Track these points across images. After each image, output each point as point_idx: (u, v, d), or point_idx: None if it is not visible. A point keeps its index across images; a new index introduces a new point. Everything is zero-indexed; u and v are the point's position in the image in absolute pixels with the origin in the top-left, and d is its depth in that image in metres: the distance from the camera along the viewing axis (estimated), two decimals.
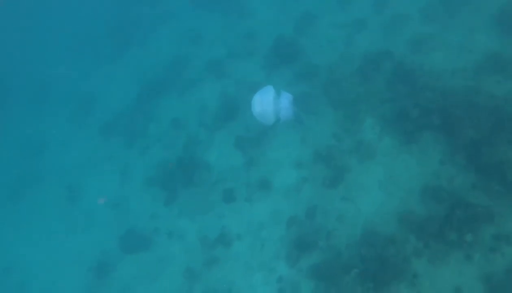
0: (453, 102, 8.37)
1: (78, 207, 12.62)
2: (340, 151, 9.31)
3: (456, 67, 8.97)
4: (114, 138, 13.67)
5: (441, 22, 9.73)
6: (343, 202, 8.71)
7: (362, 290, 7.48)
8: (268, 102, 9.16)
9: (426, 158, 8.33)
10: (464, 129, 8.01)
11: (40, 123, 16.36)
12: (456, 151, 8.04)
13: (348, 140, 9.37)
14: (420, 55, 9.50)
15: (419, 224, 7.69)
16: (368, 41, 10.56)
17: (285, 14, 12.57)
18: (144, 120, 13.23)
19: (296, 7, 12.52)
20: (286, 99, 9.28)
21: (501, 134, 7.81)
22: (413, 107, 8.70)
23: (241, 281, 8.85)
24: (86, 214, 12.27)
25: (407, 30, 10.12)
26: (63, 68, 17.85)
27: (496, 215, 7.12)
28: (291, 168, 9.68)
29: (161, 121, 12.74)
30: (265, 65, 11.64)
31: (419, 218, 7.76)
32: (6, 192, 14.48)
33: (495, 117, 7.96)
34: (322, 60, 10.80)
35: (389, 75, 9.57)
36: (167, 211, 10.73)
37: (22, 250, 12.51)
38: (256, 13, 13.31)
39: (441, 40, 9.46)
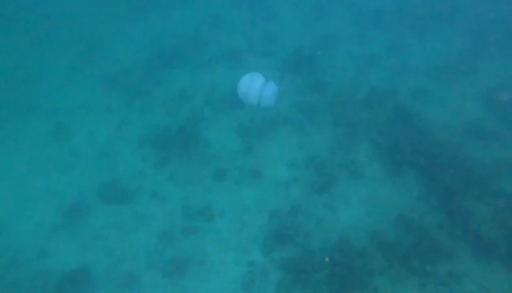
0: (440, 151, 8.73)
1: (62, 146, 11.57)
2: (332, 163, 9.36)
3: (446, 123, 9.39)
4: (116, 91, 12.79)
5: (442, 83, 10.20)
6: (326, 209, 8.72)
7: (327, 290, 7.48)
8: (254, 86, 9.24)
9: (406, 191, 8.60)
10: (444, 177, 8.38)
11: (42, 56, 14.92)
12: (432, 193, 8.37)
13: (342, 156, 9.44)
14: (419, 104, 9.87)
15: (388, 245, 7.87)
16: (377, 76, 10.80)
17: (309, 30, 12.55)
18: (151, 83, 12.52)
19: (319, 28, 12.56)
20: (270, 88, 9.35)
21: (472, 190, 8.24)
22: (406, 144, 8.97)
23: (214, 255, 8.53)
24: (70, 154, 11.28)
25: (412, 79, 10.48)
26: None
27: (454, 256, 7.46)
28: (284, 166, 9.56)
29: (169, 89, 12.10)
30: (281, 68, 11.49)
31: (389, 240, 7.95)
32: None
33: (470, 174, 8.40)
34: (333, 80, 10.88)
35: (390, 112, 9.82)
36: (156, 172, 10.14)
37: None
38: (281, 20, 13.16)
39: (439, 97, 9.90)
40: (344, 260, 7.85)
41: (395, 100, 9.99)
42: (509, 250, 7.35)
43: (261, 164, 9.65)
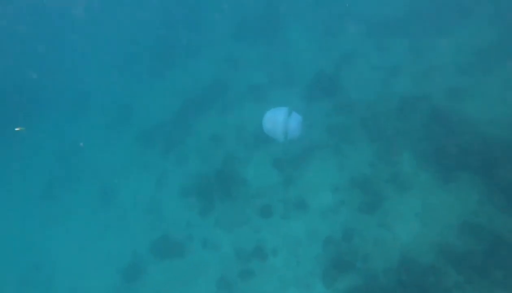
0: (492, 147, 8.19)
1: (111, 210, 12.04)
2: (377, 180, 9.02)
3: (492, 117, 8.80)
4: (151, 147, 13.29)
5: (476, 76, 9.69)
6: (380, 228, 8.32)
7: None
8: (278, 122, 9.15)
9: (463, 197, 8.04)
10: (504, 172, 7.79)
11: (78, 128, 15.96)
12: (495, 193, 7.77)
13: (385, 170, 9.10)
14: (456, 103, 9.41)
15: (459, 257, 7.30)
16: (405, 84, 10.50)
17: (325, 51, 12.61)
18: (182, 133, 12.92)
19: (335, 47, 12.59)
20: (295, 119, 9.30)
21: None
22: (452, 147, 8.52)
23: None
24: (119, 217, 11.69)
25: (443, 79, 10.08)
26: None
27: None
28: (328, 191, 9.33)
29: (200, 136, 12.42)
30: (305, 95, 11.51)
31: (459, 251, 7.38)
32: (41, 190, 13.87)
33: None
34: (361, 97, 10.71)
35: (426, 117, 9.44)
36: (203, 220, 10.22)
37: (53, 247, 11.77)
38: (297, 47, 13.35)
39: (477, 92, 9.39)
40: (413, 280, 7.34)
41: (429, 104, 9.62)
42: None
43: (304, 194, 9.48)
